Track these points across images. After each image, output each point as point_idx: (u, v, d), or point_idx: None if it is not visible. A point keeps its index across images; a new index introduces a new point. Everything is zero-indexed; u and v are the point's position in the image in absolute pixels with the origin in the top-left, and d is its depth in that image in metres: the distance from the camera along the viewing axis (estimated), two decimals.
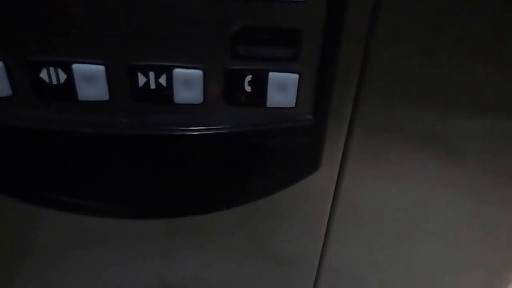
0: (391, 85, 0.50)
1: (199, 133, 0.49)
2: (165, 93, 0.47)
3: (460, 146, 0.55)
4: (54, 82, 0.45)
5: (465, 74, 0.49)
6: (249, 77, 0.47)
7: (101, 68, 0.45)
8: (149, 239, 0.61)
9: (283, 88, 0.47)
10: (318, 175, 0.56)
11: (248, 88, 0.47)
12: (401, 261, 0.68)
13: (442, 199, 0.61)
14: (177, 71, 0.46)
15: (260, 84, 0.47)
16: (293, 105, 0.49)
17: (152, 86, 0.46)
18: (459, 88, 0.50)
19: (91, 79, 0.45)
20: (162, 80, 0.46)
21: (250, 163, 0.52)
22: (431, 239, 0.65)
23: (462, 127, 0.53)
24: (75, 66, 0.45)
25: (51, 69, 0.45)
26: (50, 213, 0.53)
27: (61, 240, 0.60)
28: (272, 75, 0.47)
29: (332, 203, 0.60)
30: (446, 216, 0.63)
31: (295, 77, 0.47)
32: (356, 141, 0.54)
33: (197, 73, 0.46)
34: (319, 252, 0.66)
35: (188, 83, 0.46)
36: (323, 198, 0.60)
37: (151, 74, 0.46)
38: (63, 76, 0.45)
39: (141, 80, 0.46)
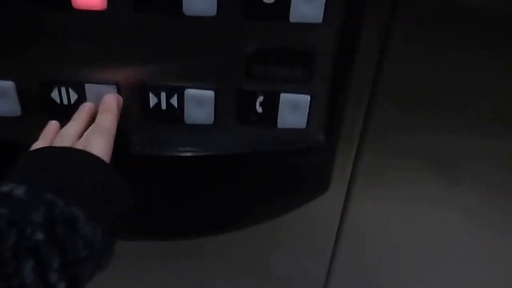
0: (400, 107, 0.50)
1: (209, 153, 0.48)
2: (176, 114, 0.47)
3: (462, 169, 0.56)
4: (65, 102, 0.45)
5: (464, 98, 0.49)
6: (260, 98, 0.47)
7: (112, 88, 0.45)
8: (150, 257, 0.61)
9: (294, 109, 0.47)
10: (326, 197, 0.56)
11: (259, 109, 0.47)
12: (407, 284, 0.67)
13: (446, 219, 0.61)
14: (189, 91, 0.46)
15: (272, 105, 0.47)
16: (304, 126, 0.48)
17: (163, 107, 0.46)
18: (462, 112, 0.51)
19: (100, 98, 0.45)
20: (174, 100, 0.46)
21: (260, 184, 0.52)
22: (437, 261, 0.65)
23: (464, 151, 0.54)
24: (87, 86, 0.45)
25: (63, 89, 0.45)
26: None
27: None
28: (284, 96, 0.47)
29: (339, 225, 0.60)
30: (451, 237, 0.63)
31: (306, 98, 0.47)
32: (364, 164, 0.54)
33: (209, 93, 0.46)
34: (324, 276, 0.65)
35: (199, 103, 0.46)
36: (330, 220, 0.60)
37: (163, 95, 0.46)
38: (74, 96, 0.45)
39: (152, 100, 0.46)
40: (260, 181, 0.51)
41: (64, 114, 0.45)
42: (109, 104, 0.45)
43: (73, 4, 0.40)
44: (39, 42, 0.43)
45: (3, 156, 0.41)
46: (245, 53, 0.44)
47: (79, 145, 0.41)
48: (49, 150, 0.40)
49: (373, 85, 0.48)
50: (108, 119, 0.43)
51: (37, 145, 0.42)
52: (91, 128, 0.43)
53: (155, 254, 0.61)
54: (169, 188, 0.50)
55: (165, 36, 0.43)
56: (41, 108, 0.45)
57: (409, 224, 0.61)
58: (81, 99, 0.45)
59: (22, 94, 0.45)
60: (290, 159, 0.51)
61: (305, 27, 0.43)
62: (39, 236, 0.33)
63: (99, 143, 0.41)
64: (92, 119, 0.44)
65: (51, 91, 0.45)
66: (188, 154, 0.48)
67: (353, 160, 0.54)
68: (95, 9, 0.41)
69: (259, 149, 0.49)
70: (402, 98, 0.49)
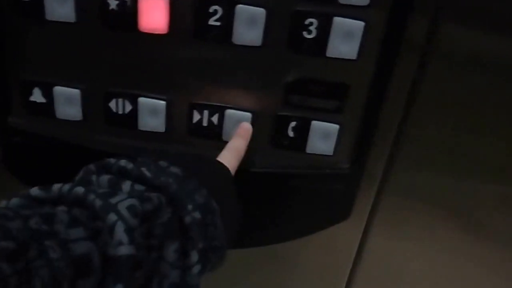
0: (426, 145, 0.53)
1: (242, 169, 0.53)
2: (215, 131, 0.52)
3: (481, 218, 0.58)
4: (120, 111, 0.51)
5: (487, 148, 0.53)
6: (293, 123, 0.51)
7: (162, 104, 0.51)
8: None
9: (324, 136, 0.52)
10: (346, 225, 0.58)
11: (291, 133, 0.52)
12: None
13: (461, 266, 0.63)
14: (229, 112, 0.51)
15: (303, 131, 0.52)
16: (331, 153, 0.53)
17: (205, 124, 0.51)
18: (486, 162, 0.54)
19: (154, 111, 0.50)
20: (215, 119, 0.51)
21: (284, 203, 0.56)
22: None
23: (483, 199, 0.56)
24: (140, 99, 0.50)
25: (120, 100, 0.50)
26: None
27: None
28: (314, 123, 0.51)
29: (356, 255, 0.62)
30: (465, 283, 0.65)
31: (336, 127, 0.51)
32: (386, 198, 0.57)
33: (247, 115, 0.51)
34: None
35: (238, 123, 0.51)
36: (347, 249, 0.62)
37: (205, 112, 0.51)
38: (128, 107, 0.51)
39: (196, 117, 0.51)
40: (285, 200, 0.55)
41: (118, 122, 0.51)
42: (244, 131, 0.51)
43: (138, 27, 0.46)
44: (105, 58, 0.49)
45: (65, 155, 0.46)
46: (284, 82, 0.49)
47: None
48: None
49: (401, 122, 0.52)
50: (242, 144, 0.50)
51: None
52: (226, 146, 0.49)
53: None
54: None
55: (215, 60, 0.49)
56: (99, 115, 0.51)
57: (424, 266, 0.63)
58: (134, 110, 0.51)
59: (85, 101, 0.51)
60: (315, 183, 0.54)
61: (340, 62, 0.47)
62: (197, 215, 0.36)
63: (232, 161, 0.47)
64: None
65: (110, 101, 0.50)
66: None
67: (375, 194, 0.57)
68: (157, 32, 0.47)
69: (287, 170, 0.53)
70: (428, 138, 0.53)
